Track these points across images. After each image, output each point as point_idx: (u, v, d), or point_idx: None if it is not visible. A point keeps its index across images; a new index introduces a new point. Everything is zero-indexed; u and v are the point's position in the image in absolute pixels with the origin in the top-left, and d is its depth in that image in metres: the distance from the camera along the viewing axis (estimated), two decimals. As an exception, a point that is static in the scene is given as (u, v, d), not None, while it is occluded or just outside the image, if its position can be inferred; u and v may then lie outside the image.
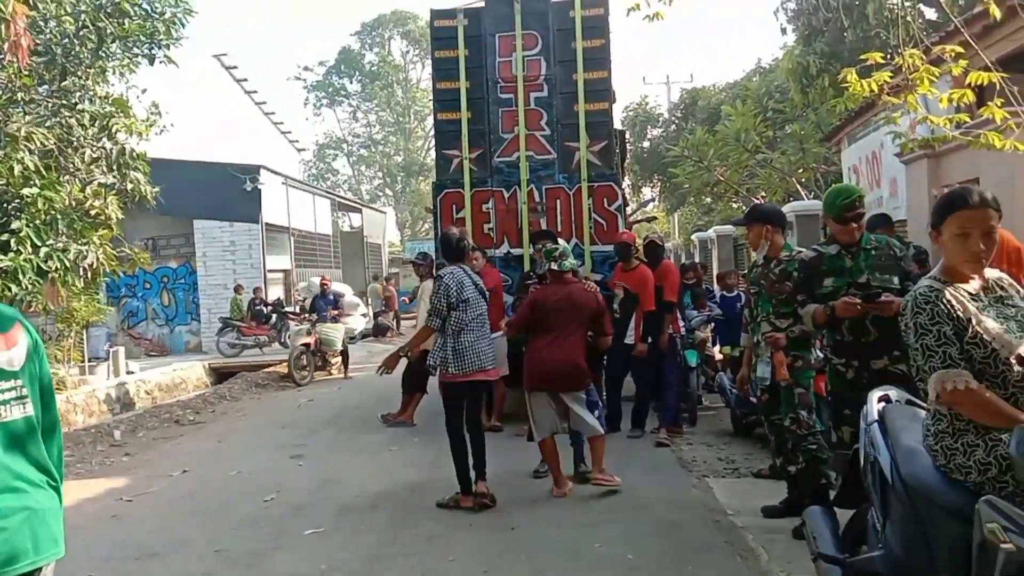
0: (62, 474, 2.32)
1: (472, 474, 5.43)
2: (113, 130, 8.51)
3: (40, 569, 2.14)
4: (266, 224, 19.42)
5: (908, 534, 2.53)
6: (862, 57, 4.82)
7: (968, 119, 4.85)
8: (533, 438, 5.82)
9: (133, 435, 9.17)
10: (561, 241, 6.60)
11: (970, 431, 2.42)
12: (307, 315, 13.90)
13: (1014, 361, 2.40)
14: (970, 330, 2.44)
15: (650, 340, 7.20)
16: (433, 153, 9.08)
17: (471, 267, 7.08)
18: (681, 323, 7.62)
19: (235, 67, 27.62)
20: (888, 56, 5.11)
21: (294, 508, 5.68)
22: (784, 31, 15.34)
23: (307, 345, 12.99)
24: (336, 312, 13.91)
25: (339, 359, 13.60)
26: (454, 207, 8.37)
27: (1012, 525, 2.06)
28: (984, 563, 2.13)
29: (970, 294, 2.54)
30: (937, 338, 2.44)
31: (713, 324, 8.55)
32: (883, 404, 3.10)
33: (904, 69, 4.62)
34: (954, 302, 2.48)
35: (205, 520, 5.52)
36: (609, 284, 7.55)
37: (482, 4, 8.57)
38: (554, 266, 5.57)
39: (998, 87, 4.41)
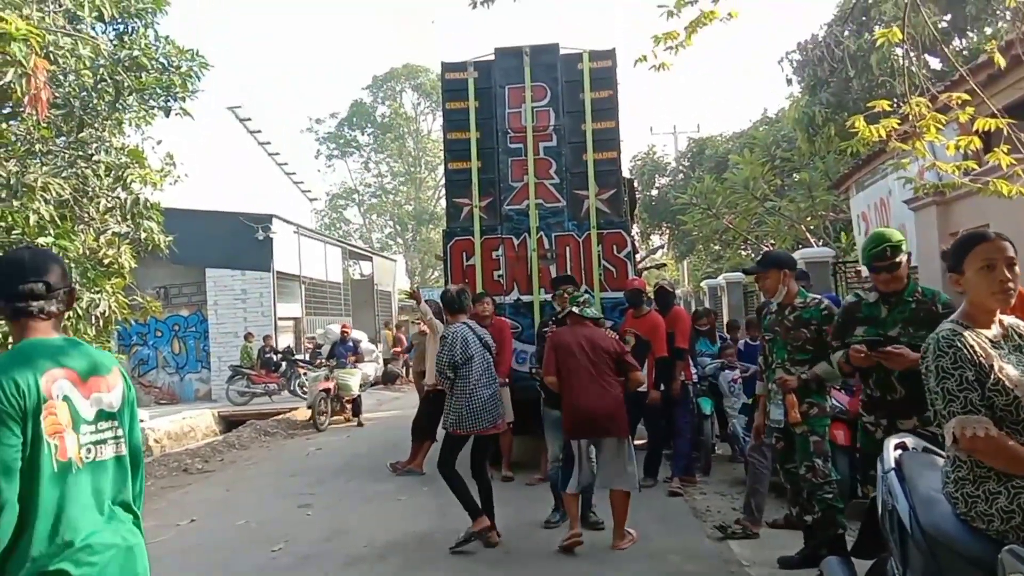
0: (141, 519, 2.43)
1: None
2: (128, 180, 8.61)
3: None
4: (277, 272, 19.54)
5: (929, 583, 2.47)
6: (869, 105, 4.88)
7: (976, 166, 4.88)
8: (551, 481, 5.84)
9: (141, 484, 9.10)
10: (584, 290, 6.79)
11: (992, 478, 2.37)
12: (326, 361, 14.12)
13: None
14: (992, 376, 2.41)
15: (662, 387, 7.15)
16: (443, 202, 9.16)
17: (479, 317, 7.16)
18: (693, 370, 7.57)
19: (249, 119, 28.07)
20: (895, 104, 5.17)
21: (301, 558, 5.60)
22: (790, 81, 15.55)
23: (327, 391, 13.21)
24: (355, 358, 14.08)
25: (350, 405, 13.62)
26: (464, 254, 8.41)
27: (1037, 574, 2.01)
28: (1008, 613, 2.08)
29: (991, 340, 2.52)
30: (959, 382, 2.41)
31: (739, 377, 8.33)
32: (900, 451, 3.06)
33: (911, 117, 4.66)
34: (976, 347, 2.46)
35: (212, 570, 5.46)
36: (620, 331, 7.53)
37: (492, 57, 8.73)
38: (575, 310, 5.55)
39: (1005, 134, 4.45)
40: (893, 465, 2.95)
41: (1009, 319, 2.65)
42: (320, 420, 12.95)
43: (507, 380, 7.73)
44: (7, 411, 2.09)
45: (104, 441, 2.27)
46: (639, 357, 7.15)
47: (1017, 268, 2.55)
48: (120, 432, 2.33)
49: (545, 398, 6.34)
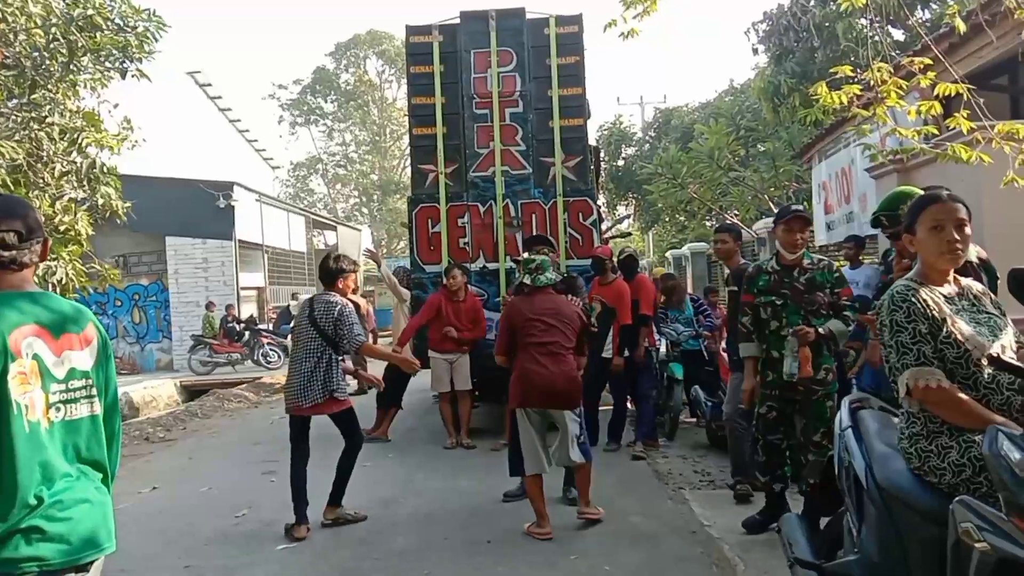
0: (115, 474, 2.43)
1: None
2: (83, 144, 8.38)
3: (93, 562, 2.21)
4: (240, 241, 19.27)
5: (883, 537, 2.53)
6: (832, 70, 4.90)
7: (936, 132, 4.93)
8: (515, 469, 5.35)
9: (101, 453, 8.98)
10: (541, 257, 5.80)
11: (944, 433, 2.44)
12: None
13: (985, 363, 2.43)
14: (944, 330, 2.47)
15: (627, 353, 7.21)
16: (409, 171, 9.04)
17: (449, 291, 7.52)
18: (657, 336, 7.64)
19: (209, 84, 27.47)
20: (857, 71, 5.19)
21: (265, 524, 5.58)
22: (756, 51, 15.61)
23: None
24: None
25: None
26: (429, 221, 8.35)
27: (986, 524, 2.06)
28: (958, 563, 2.14)
29: (945, 297, 2.58)
30: (912, 335, 2.47)
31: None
32: (857, 410, 3.13)
33: (873, 83, 4.69)
34: (930, 301, 2.51)
35: (175, 537, 5.41)
36: (587, 298, 7.56)
37: (457, 21, 8.60)
38: (527, 280, 5.18)
39: (965, 98, 4.50)
40: (849, 423, 3.01)
41: (965, 279, 2.71)
42: None
43: (466, 348, 7.77)
44: None
45: (76, 400, 2.23)
46: (605, 324, 7.21)
47: (968, 229, 2.60)
48: (94, 391, 2.28)
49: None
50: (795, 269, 4.53)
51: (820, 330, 4.39)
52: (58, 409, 2.20)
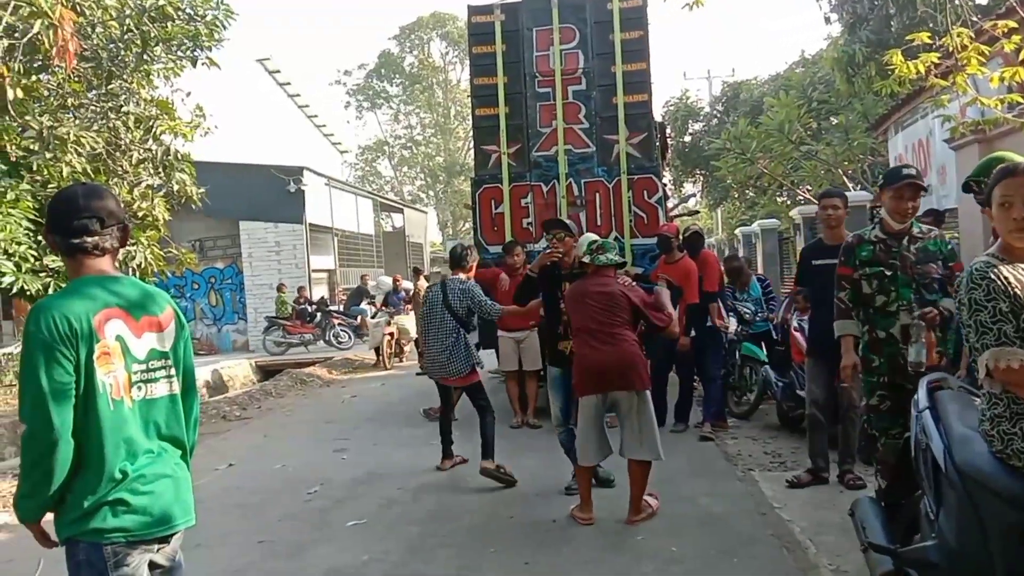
0: (193, 449, 2.54)
1: None
2: (158, 132, 8.64)
3: (175, 534, 2.35)
4: (310, 224, 19.66)
5: (963, 523, 2.44)
6: (909, 38, 4.68)
7: (1021, 99, 4.67)
8: (564, 447, 5.36)
9: (180, 431, 9.32)
10: (590, 236, 5.76)
11: (1028, 415, 2.32)
12: (384, 308, 15.58)
13: (1072, 341, 2.30)
14: (1027, 308, 2.35)
15: (693, 333, 7.10)
16: (473, 153, 9.05)
17: (509, 267, 7.53)
18: (725, 315, 7.49)
19: (278, 71, 27.99)
20: (935, 38, 4.96)
21: (336, 501, 5.71)
22: (828, 20, 15.04)
23: (391, 334, 14.55)
24: (410, 306, 14.69)
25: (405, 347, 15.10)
26: (493, 202, 8.35)
27: (1074, 511, 1.96)
28: (1044, 551, 2.04)
29: (1029, 273, 2.44)
30: (992, 314, 2.36)
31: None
32: (935, 391, 3.01)
33: (952, 50, 4.46)
34: (1011, 279, 2.39)
35: (249, 512, 5.59)
36: (651, 277, 7.46)
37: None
38: (587, 259, 4.98)
39: (1054, 62, 4.25)
40: (928, 404, 2.90)
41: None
42: (387, 360, 14.41)
43: (535, 326, 7.71)
44: (58, 346, 2.13)
45: (156, 380, 2.33)
46: (672, 303, 7.10)
47: None
48: (173, 371, 2.38)
49: (548, 355, 5.84)
50: (904, 237, 4.06)
51: (943, 310, 3.90)
52: (139, 388, 2.30)
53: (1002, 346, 2.33)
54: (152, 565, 2.31)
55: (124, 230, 2.40)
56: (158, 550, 2.32)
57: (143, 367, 2.30)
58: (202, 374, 14.85)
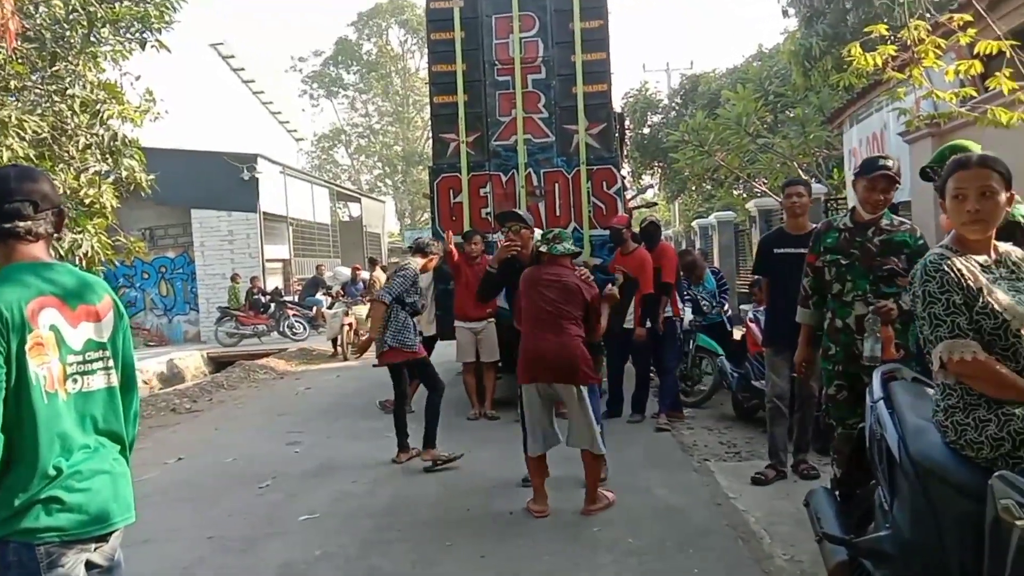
0: (133, 445, 2.42)
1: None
2: (105, 116, 8.37)
3: (114, 532, 2.24)
4: (264, 213, 19.33)
5: (916, 512, 2.44)
6: (867, 30, 4.70)
7: (975, 93, 4.73)
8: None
9: (129, 424, 9.08)
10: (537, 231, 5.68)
11: (981, 405, 2.33)
12: (342, 298, 15.37)
13: (1026, 332, 2.32)
14: (980, 300, 2.36)
15: (648, 324, 7.11)
16: (432, 142, 8.95)
17: (468, 256, 7.52)
18: (680, 306, 7.52)
19: (232, 56, 27.44)
20: (892, 31, 4.99)
21: (289, 495, 5.60)
22: (785, 13, 15.18)
23: (349, 325, 14.37)
24: (368, 297, 14.35)
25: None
26: (451, 191, 8.26)
27: (1027, 501, 1.97)
28: (997, 541, 2.05)
29: (981, 265, 2.46)
30: (946, 307, 2.37)
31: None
32: (889, 381, 3.02)
33: (909, 42, 4.49)
34: (964, 271, 2.40)
35: (199, 507, 5.45)
36: (609, 268, 7.47)
37: (478, -15, 8.43)
38: (543, 248, 4.92)
39: (1008, 56, 4.29)
40: (882, 394, 2.91)
41: (1004, 245, 2.58)
42: (345, 350, 14.27)
43: (492, 318, 7.68)
44: None
45: (93, 372, 2.22)
46: (627, 294, 7.10)
47: (1000, 197, 2.46)
48: (111, 362, 2.27)
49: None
50: (870, 228, 4.00)
51: (902, 304, 3.81)
52: (75, 380, 2.19)
53: (956, 338, 2.34)
54: (89, 565, 2.21)
55: (59, 215, 2.29)
56: (95, 549, 2.22)
57: (79, 358, 2.19)
58: (152, 366, 14.52)
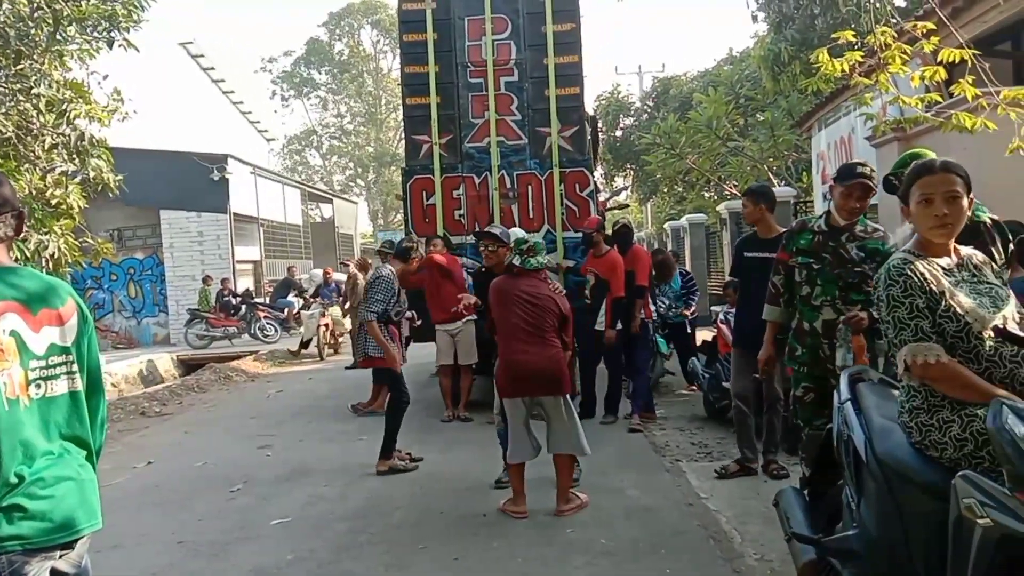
0: (100, 451, 2.39)
1: None
2: (71, 116, 8.25)
3: (80, 539, 2.18)
4: (234, 214, 19.13)
5: (882, 512, 2.49)
6: (834, 36, 4.78)
7: (940, 99, 4.82)
8: (500, 438, 5.24)
9: (97, 428, 8.94)
10: (518, 231, 5.55)
11: (945, 407, 2.38)
12: (317, 300, 15.44)
13: (987, 335, 2.38)
14: (943, 303, 2.41)
15: (620, 326, 7.16)
16: (404, 143, 8.93)
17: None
18: (652, 308, 7.59)
19: (202, 55, 27.11)
20: (859, 37, 5.08)
21: (261, 499, 5.56)
22: (755, 19, 15.36)
23: (326, 325, 14.62)
24: (341, 298, 14.54)
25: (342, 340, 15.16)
26: (424, 193, 8.24)
27: (989, 500, 2.02)
28: (960, 539, 2.09)
29: (944, 269, 2.51)
30: (909, 311, 2.41)
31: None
32: (856, 382, 3.07)
33: (876, 47, 4.57)
34: (927, 275, 2.45)
35: (169, 511, 5.39)
36: (581, 270, 7.51)
37: (451, -13, 8.42)
38: (516, 261, 4.89)
39: (970, 64, 4.39)
40: (849, 396, 2.96)
41: (966, 249, 2.64)
42: (325, 351, 14.58)
43: (473, 318, 7.64)
44: None
45: (56, 376, 2.18)
46: (598, 296, 7.16)
47: (964, 200, 2.52)
48: (75, 367, 2.23)
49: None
50: (844, 234, 3.98)
51: (873, 313, 3.73)
52: (38, 386, 2.15)
53: (919, 342, 2.38)
54: (55, 572, 2.17)
55: (19, 217, 2.26)
56: (61, 557, 2.18)
57: (42, 363, 2.15)
58: (120, 368, 14.32)
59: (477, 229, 7.05)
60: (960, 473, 2.14)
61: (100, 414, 2.37)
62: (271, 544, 4.61)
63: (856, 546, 2.59)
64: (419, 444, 6.74)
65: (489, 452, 6.11)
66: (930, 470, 2.36)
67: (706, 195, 21.25)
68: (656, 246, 22.91)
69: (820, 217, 4.20)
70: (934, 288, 2.44)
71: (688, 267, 14.45)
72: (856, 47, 4.73)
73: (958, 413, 2.35)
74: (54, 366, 2.19)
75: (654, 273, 8.10)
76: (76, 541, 2.19)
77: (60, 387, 2.19)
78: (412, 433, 7.10)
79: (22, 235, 7.87)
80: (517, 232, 5.23)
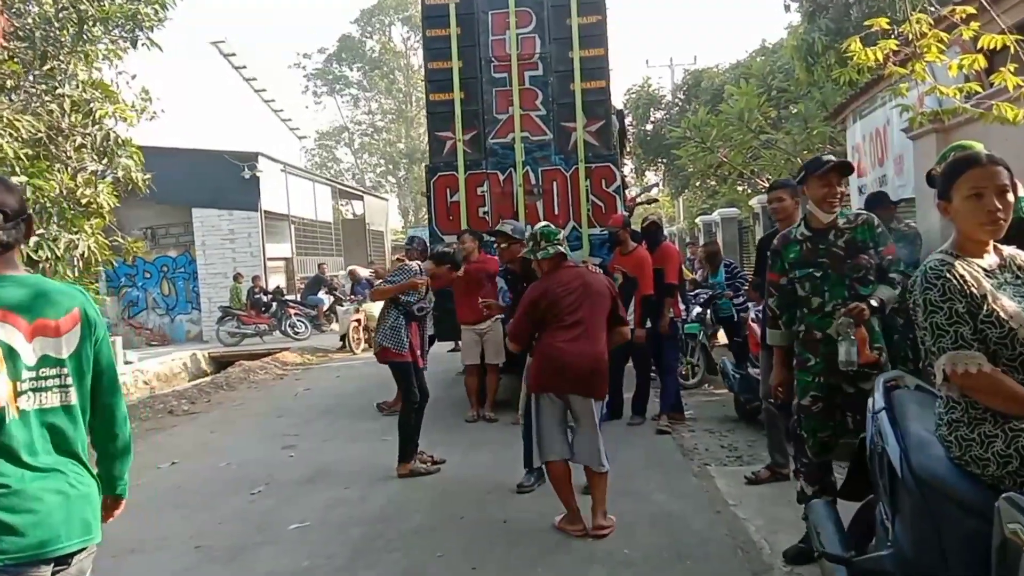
0: (129, 447, 2.39)
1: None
2: (97, 116, 8.28)
3: (73, 555, 2.14)
4: (265, 212, 19.24)
5: (919, 531, 2.32)
6: (867, 24, 4.57)
7: (979, 89, 4.59)
8: (531, 456, 5.00)
9: (125, 426, 8.98)
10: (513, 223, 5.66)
11: (988, 420, 2.21)
12: (352, 297, 16.82)
13: (1035, 342, 2.20)
14: (985, 308, 2.23)
15: (649, 325, 6.99)
16: (427, 139, 8.86)
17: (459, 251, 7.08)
18: (682, 306, 7.41)
19: (233, 54, 27.36)
20: (894, 25, 4.86)
21: (281, 501, 5.50)
22: (788, 8, 14.99)
23: (358, 321, 15.14)
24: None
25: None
26: (448, 191, 8.15)
27: (1037, 524, 1.85)
28: (1005, 566, 1.93)
29: (985, 270, 2.33)
30: (948, 316, 2.23)
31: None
32: (892, 389, 2.90)
33: (911, 36, 4.36)
34: (967, 277, 2.27)
35: (189, 514, 5.35)
36: (608, 268, 7.35)
37: (474, -20, 8.30)
38: (539, 255, 4.59)
39: (1012, 51, 4.16)
40: (884, 405, 2.79)
41: (1008, 248, 2.45)
42: (354, 346, 15.03)
43: (502, 316, 7.52)
44: None
45: (47, 389, 2.12)
46: (626, 295, 6.98)
47: (1011, 196, 2.34)
48: (69, 380, 2.17)
49: None
50: (830, 232, 3.78)
51: (872, 302, 3.61)
52: (28, 397, 2.09)
53: (959, 349, 2.20)
54: None
55: (28, 222, 2.21)
56: (57, 573, 2.12)
57: (32, 375, 2.10)
58: (152, 366, 14.46)
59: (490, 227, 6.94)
60: (1005, 495, 1.97)
61: (120, 412, 2.36)
62: (288, 549, 4.54)
63: (890, 567, 2.43)
64: (443, 445, 6.65)
65: (513, 453, 5.98)
66: (971, 488, 2.19)
67: (739, 189, 20.89)
68: (688, 240, 22.61)
69: (798, 225, 3.92)
70: (975, 291, 2.26)
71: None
72: (891, 35, 4.51)
73: (1002, 427, 2.18)
74: (45, 378, 2.13)
75: (707, 265, 8.10)
76: (71, 556, 2.13)
77: (52, 400, 2.14)
78: (436, 433, 7.01)
79: (45, 236, 7.78)
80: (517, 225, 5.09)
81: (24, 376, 2.08)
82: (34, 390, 2.10)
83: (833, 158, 3.85)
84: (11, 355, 2.06)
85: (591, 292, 4.53)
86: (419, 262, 6.28)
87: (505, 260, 5.21)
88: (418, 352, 6.22)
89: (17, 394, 2.06)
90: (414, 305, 6.03)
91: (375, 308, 14.64)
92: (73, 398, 2.18)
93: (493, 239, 5.63)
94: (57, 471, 2.12)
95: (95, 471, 2.30)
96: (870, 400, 2.94)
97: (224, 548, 4.62)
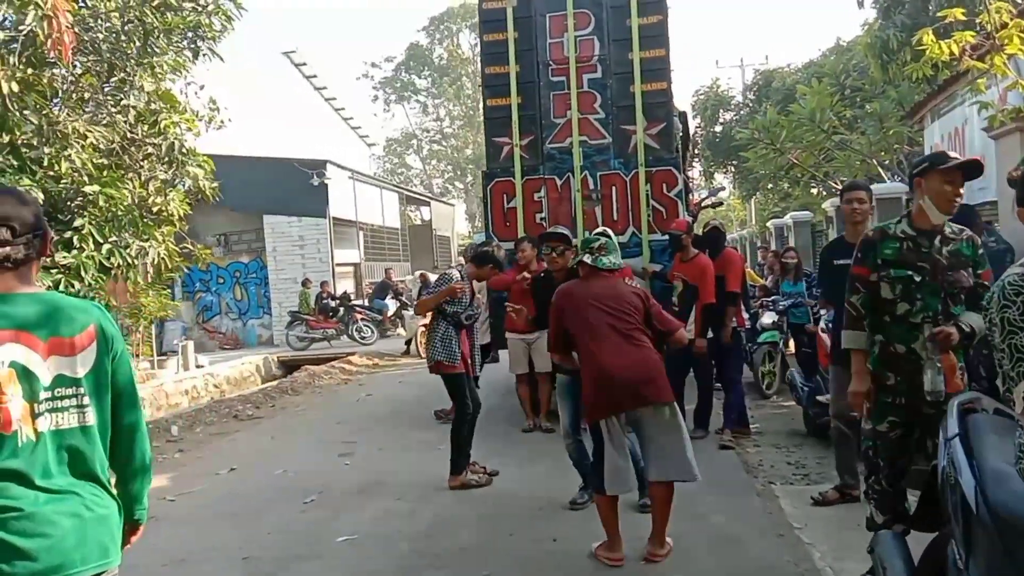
0: (150, 464, 2.32)
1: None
2: (163, 126, 8.45)
3: None
4: (334, 218, 19.54)
5: (996, 573, 2.08)
6: (941, 15, 4.26)
7: (1070, 83, 4.24)
8: (572, 459, 5.00)
9: (190, 430, 9.15)
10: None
11: (1074, 454, 1.96)
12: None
13: None
14: (1072, 330, 1.98)
15: (711, 335, 6.73)
16: (485, 145, 8.77)
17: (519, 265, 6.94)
18: (745, 315, 7.12)
19: (304, 64, 27.89)
20: (973, 16, 4.53)
21: (332, 512, 5.46)
22: (861, 4, 14.44)
23: (424, 326, 14.71)
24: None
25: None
26: (505, 196, 8.03)
27: None
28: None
29: (1073, 286, 2.07)
30: None
31: None
32: (967, 413, 2.64)
33: (990, 27, 4.04)
34: (1054, 295, 2.02)
35: (240, 523, 5.35)
36: (668, 275, 7.12)
37: (532, -17, 8.18)
38: (588, 259, 4.36)
39: (1106, 40, 3.81)
40: (958, 431, 2.53)
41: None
42: (420, 350, 14.22)
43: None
44: None
45: (64, 409, 2.06)
46: (687, 303, 6.74)
47: None
48: (86, 400, 2.10)
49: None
50: (936, 236, 3.37)
51: (963, 326, 3.23)
52: (44, 418, 2.03)
53: (1042, 374, 1.96)
54: None
55: (44, 238, 2.15)
56: None
57: (48, 395, 2.03)
58: (222, 370, 14.79)
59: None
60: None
61: (139, 431, 2.27)
62: (333, 563, 4.48)
63: (963, 616, 2.19)
64: (497, 456, 6.52)
65: (567, 465, 5.80)
66: (1057, 530, 1.95)
67: (813, 191, 20.25)
68: (759, 244, 22.03)
69: (899, 221, 3.52)
70: (1059, 310, 2.01)
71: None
72: (968, 27, 4.19)
73: (1091, 462, 1.93)
74: (61, 398, 2.07)
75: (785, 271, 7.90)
76: None
77: (69, 420, 2.08)
78: (491, 444, 6.89)
79: (117, 244, 7.81)
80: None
81: (41, 397, 2.02)
82: (51, 411, 2.04)
83: (957, 156, 3.46)
84: (26, 375, 2.01)
85: (623, 303, 4.30)
86: (458, 268, 6.18)
87: (557, 267, 5.05)
88: (469, 361, 6.11)
89: (35, 416, 2.01)
90: (461, 314, 5.91)
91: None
92: (91, 418, 2.11)
93: (546, 248, 5.43)
94: (73, 493, 2.06)
95: (115, 492, 2.24)
96: (942, 425, 2.68)
97: (271, 560, 4.58)
